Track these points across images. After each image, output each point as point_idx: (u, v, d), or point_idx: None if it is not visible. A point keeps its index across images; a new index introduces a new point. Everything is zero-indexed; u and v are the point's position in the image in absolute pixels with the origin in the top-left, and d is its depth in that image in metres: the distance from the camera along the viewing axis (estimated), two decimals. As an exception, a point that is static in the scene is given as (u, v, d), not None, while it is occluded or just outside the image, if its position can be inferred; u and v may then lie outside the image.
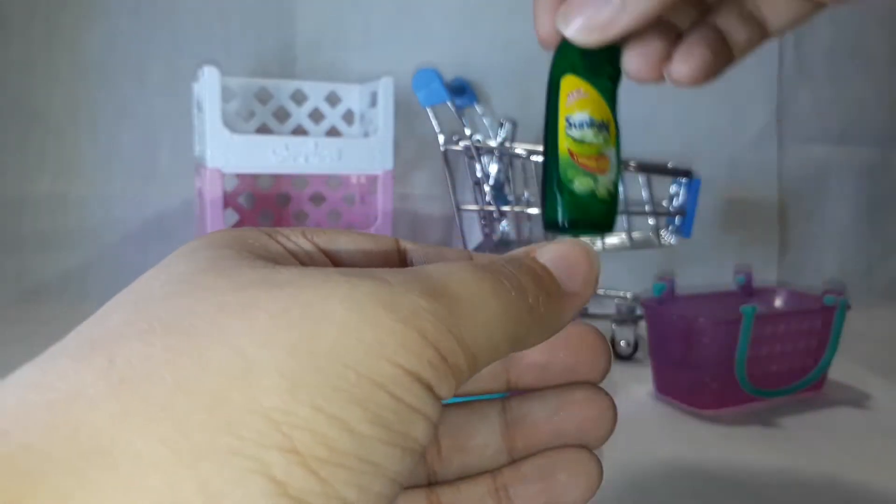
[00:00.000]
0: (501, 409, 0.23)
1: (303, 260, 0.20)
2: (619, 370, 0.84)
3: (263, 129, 0.95)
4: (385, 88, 0.86)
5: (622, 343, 0.88)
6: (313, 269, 0.17)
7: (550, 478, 0.22)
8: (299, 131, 0.96)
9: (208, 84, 0.79)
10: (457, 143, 0.87)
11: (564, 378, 0.23)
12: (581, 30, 0.26)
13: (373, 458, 0.15)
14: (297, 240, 0.21)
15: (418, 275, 0.17)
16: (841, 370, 0.81)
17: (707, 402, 0.70)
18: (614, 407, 0.23)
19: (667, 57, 0.29)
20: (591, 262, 0.20)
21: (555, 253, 0.20)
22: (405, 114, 0.97)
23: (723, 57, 0.31)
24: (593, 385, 0.23)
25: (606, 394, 0.23)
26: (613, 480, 0.54)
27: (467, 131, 0.84)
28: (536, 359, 0.23)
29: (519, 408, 0.23)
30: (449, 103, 0.82)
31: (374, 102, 0.89)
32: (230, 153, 0.80)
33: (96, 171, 1.05)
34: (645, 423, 0.67)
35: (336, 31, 1.05)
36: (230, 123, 0.86)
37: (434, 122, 0.84)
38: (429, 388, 0.16)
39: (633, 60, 0.28)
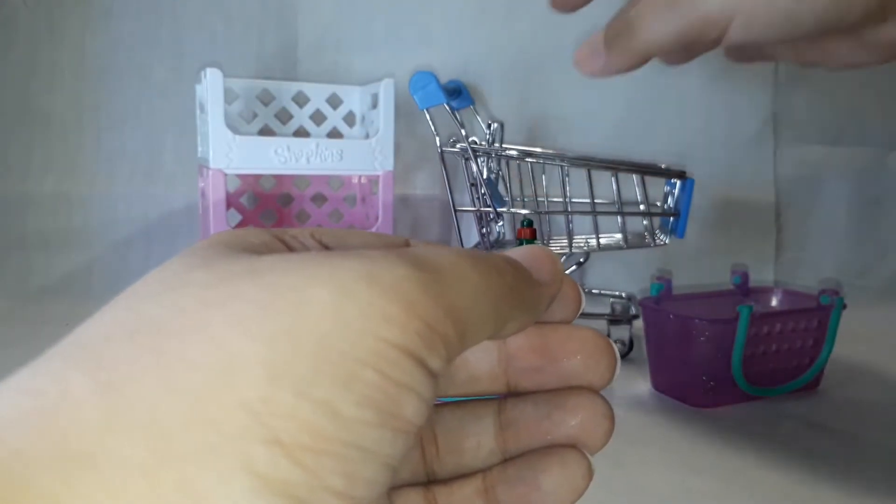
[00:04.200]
0: (497, 410, 0.23)
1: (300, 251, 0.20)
2: (617, 369, 0.84)
3: (265, 131, 0.96)
4: (386, 90, 0.87)
5: (618, 342, 0.88)
6: (296, 254, 0.17)
7: (532, 481, 0.22)
8: (301, 132, 0.96)
9: (211, 86, 0.79)
10: (453, 145, 0.88)
11: (563, 382, 0.22)
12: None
13: (361, 443, 0.14)
14: (305, 240, 0.21)
15: (402, 252, 0.17)
16: (837, 369, 0.82)
17: (704, 401, 0.71)
18: (611, 414, 0.22)
19: None
20: (554, 259, 0.21)
21: (520, 252, 0.21)
22: (406, 115, 0.98)
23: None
24: (589, 390, 0.22)
25: (603, 400, 0.22)
26: (609, 478, 0.55)
27: (463, 132, 0.85)
28: (534, 361, 0.22)
29: (512, 410, 0.23)
30: (445, 105, 0.83)
31: (374, 104, 0.89)
32: (233, 154, 0.81)
33: (100, 171, 1.06)
34: (641, 420, 0.68)
35: (337, 33, 1.06)
36: (233, 125, 0.87)
37: (431, 124, 0.85)
38: (419, 361, 0.15)
39: None
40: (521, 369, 0.23)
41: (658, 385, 0.76)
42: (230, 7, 1.04)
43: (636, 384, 0.78)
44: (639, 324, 0.80)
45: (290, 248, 0.20)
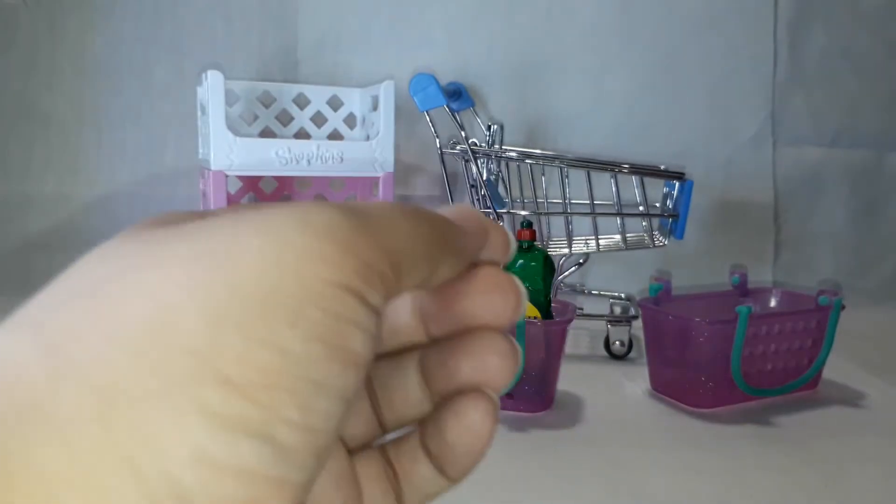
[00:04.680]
0: (419, 359, 0.23)
1: None
2: (614, 369, 0.85)
3: (266, 133, 0.96)
4: (386, 92, 0.87)
5: (616, 343, 0.89)
6: (224, 212, 0.17)
7: (442, 431, 0.22)
8: (302, 134, 0.97)
9: (212, 87, 0.80)
10: (454, 146, 0.88)
11: (464, 324, 0.22)
12: None
13: (311, 376, 0.15)
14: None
15: (333, 202, 0.17)
16: (835, 369, 0.83)
17: (703, 401, 0.71)
18: (512, 352, 0.22)
19: None
20: (480, 214, 0.22)
21: (447, 209, 0.21)
22: (406, 117, 0.98)
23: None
24: (497, 331, 0.22)
25: (503, 338, 0.22)
26: (609, 478, 0.55)
27: (463, 134, 0.85)
28: (449, 306, 0.22)
29: (426, 359, 0.23)
30: (445, 107, 0.84)
31: (375, 106, 0.90)
32: (233, 156, 0.81)
33: (101, 172, 1.06)
34: (641, 421, 0.68)
35: (338, 35, 1.06)
36: (233, 126, 0.87)
37: (431, 126, 0.85)
38: (359, 296, 0.16)
39: None
40: (439, 315, 0.23)
41: (657, 386, 0.76)
42: (231, 9, 1.05)
43: (635, 385, 0.78)
44: (638, 324, 0.81)
45: None
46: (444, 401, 0.22)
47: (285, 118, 0.96)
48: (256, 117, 0.95)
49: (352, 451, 0.23)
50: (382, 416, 0.23)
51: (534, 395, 0.69)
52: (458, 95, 0.93)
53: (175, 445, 0.13)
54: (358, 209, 0.17)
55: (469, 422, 0.21)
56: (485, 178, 0.87)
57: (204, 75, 0.81)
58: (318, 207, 0.16)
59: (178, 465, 0.13)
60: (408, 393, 0.23)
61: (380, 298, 0.16)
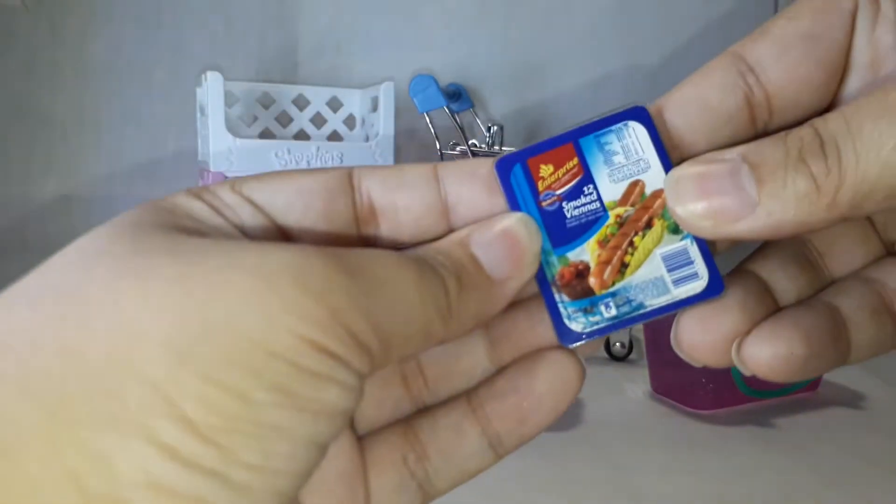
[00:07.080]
0: (485, 326, 0.22)
1: (230, 218, 0.19)
2: (614, 371, 0.85)
3: (266, 134, 0.96)
4: (386, 93, 0.87)
5: (617, 344, 0.89)
6: (226, 241, 0.16)
7: (526, 388, 0.21)
8: (301, 136, 0.97)
9: (211, 89, 0.80)
10: (454, 147, 0.88)
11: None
12: (698, 216, 0.21)
13: (274, 422, 0.14)
14: (225, 195, 0.19)
15: (340, 252, 0.16)
16: (836, 371, 0.82)
17: (703, 403, 0.71)
18: None
19: (742, 332, 0.22)
20: (527, 245, 0.20)
21: (491, 238, 0.20)
22: (406, 118, 0.98)
23: (828, 351, 0.23)
24: None
25: None
26: (609, 481, 0.55)
27: (463, 135, 0.85)
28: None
29: (503, 322, 0.22)
30: (445, 108, 0.84)
31: (375, 107, 0.90)
32: (233, 157, 0.81)
33: (100, 174, 1.06)
34: (641, 423, 0.68)
35: (337, 36, 1.06)
36: (233, 128, 0.87)
37: (430, 127, 0.85)
38: (340, 360, 0.15)
39: (690, 328, 0.22)
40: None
41: (657, 388, 0.76)
42: (231, 10, 1.05)
43: (636, 387, 0.78)
44: (639, 325, 0.80)
45: (213, 209, 0.19)
46: (517, 362, 0.21)
47: (285, 119, 0.96)
48: (256, 118, 0.95)
49: (368, 434, 0.21)
50: (426, 391, 0.22)
51: (534, 397, 0.69)
52: (457, 97, 0.93)
53: (126, 469, 0.13)
54: (364, 270, 0.16)
55: (565, 373, 0.20)
56: None
57: (203, 76, 0.81)
58: (319, 260, 0.15)
59: (129, 487, 0.13)
60: (474, 362, 0.22)
61: (364, 367, 0.16)
